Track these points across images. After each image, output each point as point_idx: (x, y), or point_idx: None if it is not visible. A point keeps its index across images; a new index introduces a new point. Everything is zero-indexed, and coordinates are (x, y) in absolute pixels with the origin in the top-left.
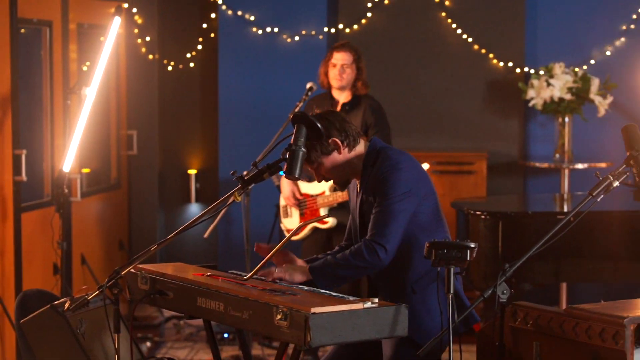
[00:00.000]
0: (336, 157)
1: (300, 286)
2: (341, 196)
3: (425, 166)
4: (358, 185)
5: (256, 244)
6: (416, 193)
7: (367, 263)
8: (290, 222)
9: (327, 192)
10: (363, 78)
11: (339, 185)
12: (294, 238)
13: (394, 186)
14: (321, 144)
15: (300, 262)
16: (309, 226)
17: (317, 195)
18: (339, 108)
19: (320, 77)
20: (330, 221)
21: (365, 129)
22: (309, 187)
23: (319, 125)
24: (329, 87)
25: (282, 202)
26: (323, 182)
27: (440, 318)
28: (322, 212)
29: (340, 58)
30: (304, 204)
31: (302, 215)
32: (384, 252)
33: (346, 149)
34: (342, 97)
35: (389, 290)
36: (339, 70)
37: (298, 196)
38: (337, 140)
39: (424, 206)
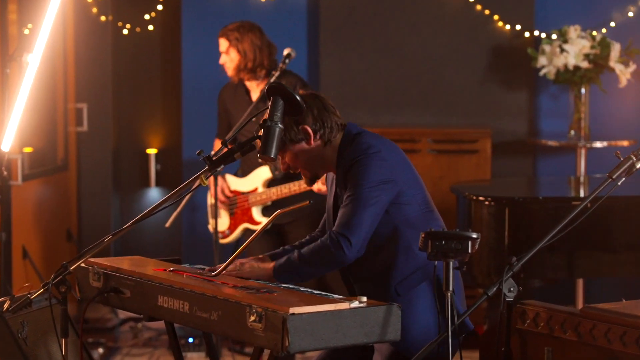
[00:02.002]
0: (303, 147)
1: (278, 284)
2: (275, 193)
3: None
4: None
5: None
6: (393, 181)
7: (331, 258)
8: (219, 222)
9: (261, 189)
10: (251, 60)
11: (306, 180)
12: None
13: (366, 172)
14: (290, 128)
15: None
16: (241, 228)
17: (248, 192)
18: (254, 98)
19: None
20: (264, 222)
21: None
22: (239, 183)
23: (298, 98)
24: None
25: (211, 200)
26: (253, 178)
27: (429, 324)
28: (255, 211)
29: (220, 47)
30: (234, 203)
31: (232, 215)
32: (348, 246)
33: (319, 141)
34: (254, 85)
35: (369, 292)
36: (221, 62)
37: (228, 193)
38: (309, 129)
39: (408, 196)
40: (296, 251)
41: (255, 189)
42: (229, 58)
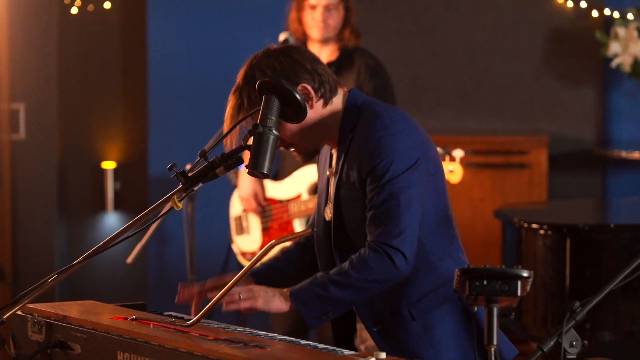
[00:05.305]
0: None
1: (272, 335)
2: None
3: (458, 153)
4: (332, 157)
5: (180, 287)
6: (425, 166)
7: (380, 277)
8: (247, 241)
9: (306, 196)
10: (352, 23)
11: (304, 155)
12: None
13: (396, 157)
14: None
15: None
16: (277, 248)
17: (289, 200)
18: None
19: (292, 25)
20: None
21: None
22: (276, 189)
23: (298, 97)
24: (305, 38)
25: (236, 211)
26: (296, 181)
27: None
28: (297, 224)
29: None
30: (269, 213)
31: (265, 230)
32: (402, 259)
33: (320, 102)
34: (325, 53)
35: (372, 314)
36: (322, 14)
37: (262, 201)
38: (309, 87)
39: (430, 187)
40: (319, 274)
41: (299, 196)
42: (336, 11)
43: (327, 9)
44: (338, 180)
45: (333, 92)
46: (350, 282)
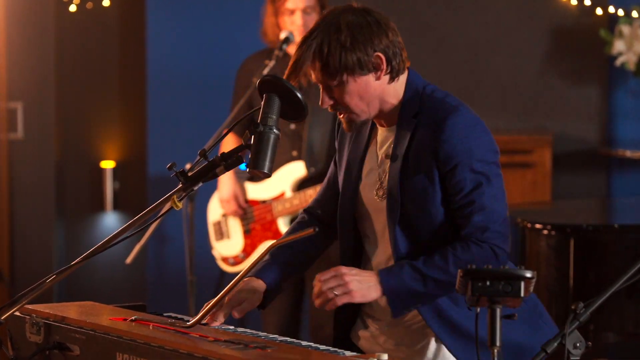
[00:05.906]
0: (370, 82)
1: (272, 336)
2: (313, 197)
3: None
4: (372, 136)
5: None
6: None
7: None
8: (228, 245)
9: (289, 194)
10: None
11: (349, 124)
12: None
13: (486, 151)
14: (362, 52)
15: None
16: (262, 247)
17: (272, 199)
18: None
19: (267, 30)
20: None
21: None
22: (257, 190)
23: (299, 95)
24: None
25: (214, 216)
26: (279, 179)
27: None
28: (282, 223)
29: (299, 2)
30: (250, 215)
31: (247, 232)
32: (505, 255)
33: (387, 77)
34: None
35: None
36: (302, 17)
37: (242, 203)
38: (383, 57)
39: None
40: (414, 267)
41: (282, 194)
42: (314, 15)
43: (305, 12)
44: (403, 164)
45: (400, 71)
46: (451, 279)
